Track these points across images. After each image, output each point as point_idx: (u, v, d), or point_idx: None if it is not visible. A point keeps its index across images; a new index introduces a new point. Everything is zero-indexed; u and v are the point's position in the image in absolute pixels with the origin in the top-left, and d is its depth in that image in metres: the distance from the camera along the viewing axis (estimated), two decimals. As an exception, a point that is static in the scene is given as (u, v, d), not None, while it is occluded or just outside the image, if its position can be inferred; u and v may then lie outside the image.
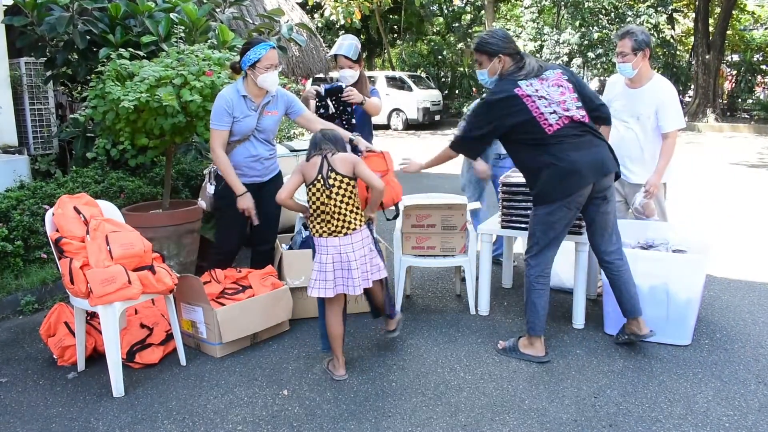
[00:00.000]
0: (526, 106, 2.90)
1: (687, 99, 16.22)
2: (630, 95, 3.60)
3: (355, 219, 2.84)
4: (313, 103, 3.83)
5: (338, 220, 2.81)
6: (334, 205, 2.79)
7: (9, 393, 2.90)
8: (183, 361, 3.13)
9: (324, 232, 2.83)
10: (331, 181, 2.78)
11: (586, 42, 14.49)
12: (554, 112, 2.90)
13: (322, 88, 3.79)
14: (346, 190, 2.80)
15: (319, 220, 2.84)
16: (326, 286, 2.84)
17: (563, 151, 2.88)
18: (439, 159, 3.33)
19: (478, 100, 3.27)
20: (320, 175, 2.79)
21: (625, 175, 3.75)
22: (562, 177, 2.89)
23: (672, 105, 3.51)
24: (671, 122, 3.50)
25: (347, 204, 2.81)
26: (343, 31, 21.98)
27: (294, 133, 7.46)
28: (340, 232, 2.81)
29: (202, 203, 3.58)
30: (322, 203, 2.81)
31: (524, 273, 3.14)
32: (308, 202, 2.88)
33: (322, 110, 3.79)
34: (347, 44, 3.84)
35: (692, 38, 16.70)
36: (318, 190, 2.81)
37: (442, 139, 13.46)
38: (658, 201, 3.74)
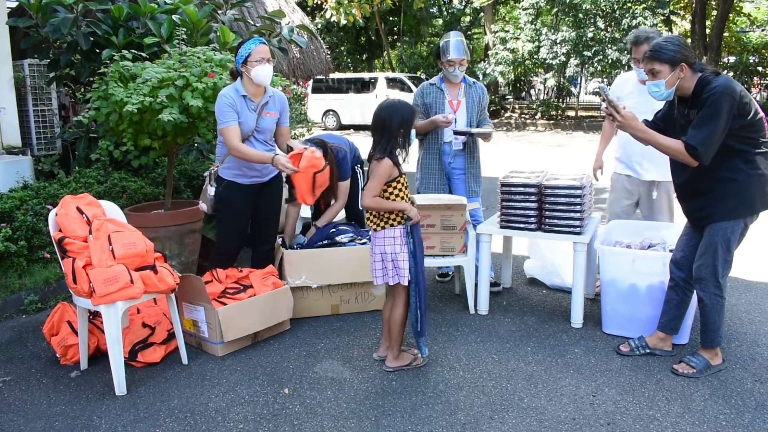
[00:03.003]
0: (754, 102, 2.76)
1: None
2: (643, 92, 3.53)
3: (383, 223, 2.92)
4: None
5: (373, 217, 2.97)
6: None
7: (12, 391, 2.92)
8: (185, 360, 3.16)
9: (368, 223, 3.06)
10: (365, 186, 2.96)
11: (583, 42, 14.53)
12: None
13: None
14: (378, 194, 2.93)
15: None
16: (372, 269, 3.05)
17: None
18: (667, 151, 2.86)
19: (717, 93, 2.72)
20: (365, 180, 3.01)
21: (637, 172, 3.77)
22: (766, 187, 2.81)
23: None
24: None
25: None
26: (343, 33, 22.09)
27: (294, 134, 7.49)
28: (373, 226, 2.98)
29: (203, 206, 3.60)
30: None
31: (709, 296, 2.87)
32: None
33: None
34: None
35: (689, 40, 16.74)
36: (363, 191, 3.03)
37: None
38: (669, 200, 3.75)
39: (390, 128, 2.85)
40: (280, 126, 3.63)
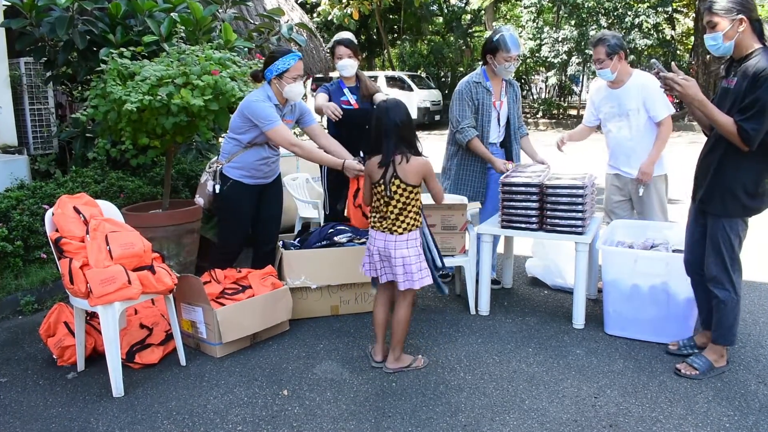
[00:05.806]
0: None
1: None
2: (615, 96, 3.72)
3: (406, 225, 2.87)
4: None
5: (390, 221, 2.88)
6: (390, 211, 2.87)
7: (9, 393, 2.90)
8: (183, 361, 3.13)
9: (376, 225, 2.94)
10: (393, 188, 2.83)
11: (585, 40, 14.51)
12: None
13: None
14: (408, 198, 2.86)
15: (376, 214, 2.95)
16: (370, 269, 3.01)
17: None
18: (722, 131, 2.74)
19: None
20: (383, 180, 2.84)
21: (627, 172, 3.80)
22: None
23: (657, 94, 3.57)
24: (661, 110, 3.61)
25: (403, 210, 2.87)
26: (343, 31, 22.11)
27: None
28: (387, 230, 2.89)
29: (199, 200, 3.58)
30: (381, 203, 2.89)
31: (723, 292, 2.84)
32: (372, 194, 2.97)
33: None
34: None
35: (692, 38, 16.71)
36: (378, 192, 2.89)
37: (441, 139, 13.42)
38: (659, 196, 3.76)
39: (408, 126, 2.83)
40: (308, 126, 3.66)
